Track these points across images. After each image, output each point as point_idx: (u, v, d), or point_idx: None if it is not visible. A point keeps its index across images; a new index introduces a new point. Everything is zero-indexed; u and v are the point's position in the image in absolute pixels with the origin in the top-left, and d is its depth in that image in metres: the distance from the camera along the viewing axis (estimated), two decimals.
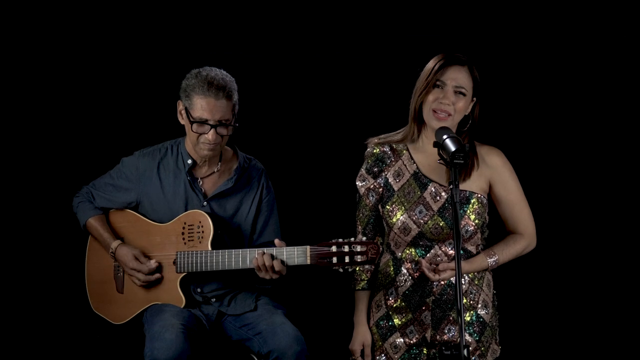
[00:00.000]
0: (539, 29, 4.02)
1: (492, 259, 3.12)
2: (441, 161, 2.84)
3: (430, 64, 3.09)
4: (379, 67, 4.06)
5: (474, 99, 3.12)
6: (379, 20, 4.08)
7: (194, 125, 3.18)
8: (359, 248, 3.03)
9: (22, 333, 3.92)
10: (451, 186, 2.71)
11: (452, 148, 2.75)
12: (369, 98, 4.06)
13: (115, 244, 3.32)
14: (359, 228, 3.23)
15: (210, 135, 3.18)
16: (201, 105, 3.16)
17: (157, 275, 3.27)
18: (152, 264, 3.25)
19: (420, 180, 3.15)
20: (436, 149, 2.88)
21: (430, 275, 3.05)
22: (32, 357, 3.90)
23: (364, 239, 3.08)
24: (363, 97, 4.06)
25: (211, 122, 3.17)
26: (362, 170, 3.23)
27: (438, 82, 3.07)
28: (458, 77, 3.06)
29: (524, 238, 3.17)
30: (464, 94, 3.07)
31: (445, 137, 2.81)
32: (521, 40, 4.03)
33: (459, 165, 2.75)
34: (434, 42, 3.77)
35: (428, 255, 3.12)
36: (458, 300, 2.64)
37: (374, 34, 4.08)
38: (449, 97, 3.06)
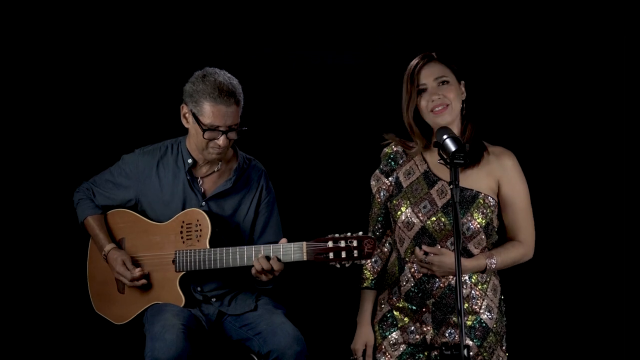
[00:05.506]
0: (539, 30, 4.03)
1: (490, 261, 3.09)
2: (441, 161, 2.84)
3: (406, 76, 3.14)
4: (378, 67, 4.06)
5: (462, 82, 3.15)
6: (377, 20, 4.08)
7: (206, 133, 3.17)
8: (355, 243, 3.02)
9: (24, 333, 3.93)
10: (451, 186, 2.71)
11: (452, 148, 2.76)
12: (365, 98, 4.06)
13: (108, 247, 3.33)
14: (370, 227, 3.24)
15: (221, 141, 3.18)
16: (212, 113, 3.15)
17: (143, 281, 3.27)
18: (136, 273, 3.25)
19: (429, 178, 3.16)
20: None
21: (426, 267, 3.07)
22: (34, 357, 3.91)
23: (361, 233, 3.07)
24: (359, 97, 4.07)
25: (222, 129, 3.17)
26: (377, 171, 3.26)
27: (420, 86, 3.11)
28: (434, 71, 3.11)
29: (523, 246, 3.14)
30: (448, 82, 3.10)
31: (445, 137, 2.82)
32: (520, 40, 4.04)
33: (459, 165, 2.75)
34: (434, 43, 3.77)
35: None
36: (458, 301, 2.63)
37: (373, 34, 4.09)
38: (437, 92, 3.09)
